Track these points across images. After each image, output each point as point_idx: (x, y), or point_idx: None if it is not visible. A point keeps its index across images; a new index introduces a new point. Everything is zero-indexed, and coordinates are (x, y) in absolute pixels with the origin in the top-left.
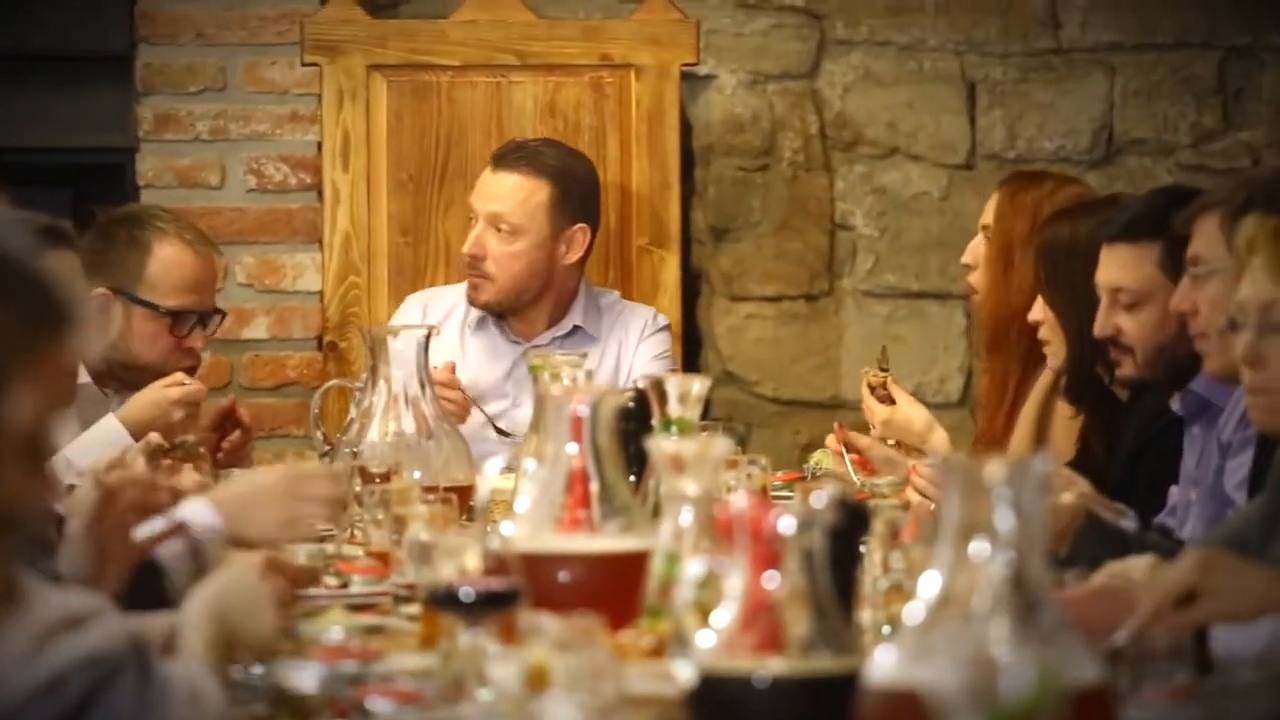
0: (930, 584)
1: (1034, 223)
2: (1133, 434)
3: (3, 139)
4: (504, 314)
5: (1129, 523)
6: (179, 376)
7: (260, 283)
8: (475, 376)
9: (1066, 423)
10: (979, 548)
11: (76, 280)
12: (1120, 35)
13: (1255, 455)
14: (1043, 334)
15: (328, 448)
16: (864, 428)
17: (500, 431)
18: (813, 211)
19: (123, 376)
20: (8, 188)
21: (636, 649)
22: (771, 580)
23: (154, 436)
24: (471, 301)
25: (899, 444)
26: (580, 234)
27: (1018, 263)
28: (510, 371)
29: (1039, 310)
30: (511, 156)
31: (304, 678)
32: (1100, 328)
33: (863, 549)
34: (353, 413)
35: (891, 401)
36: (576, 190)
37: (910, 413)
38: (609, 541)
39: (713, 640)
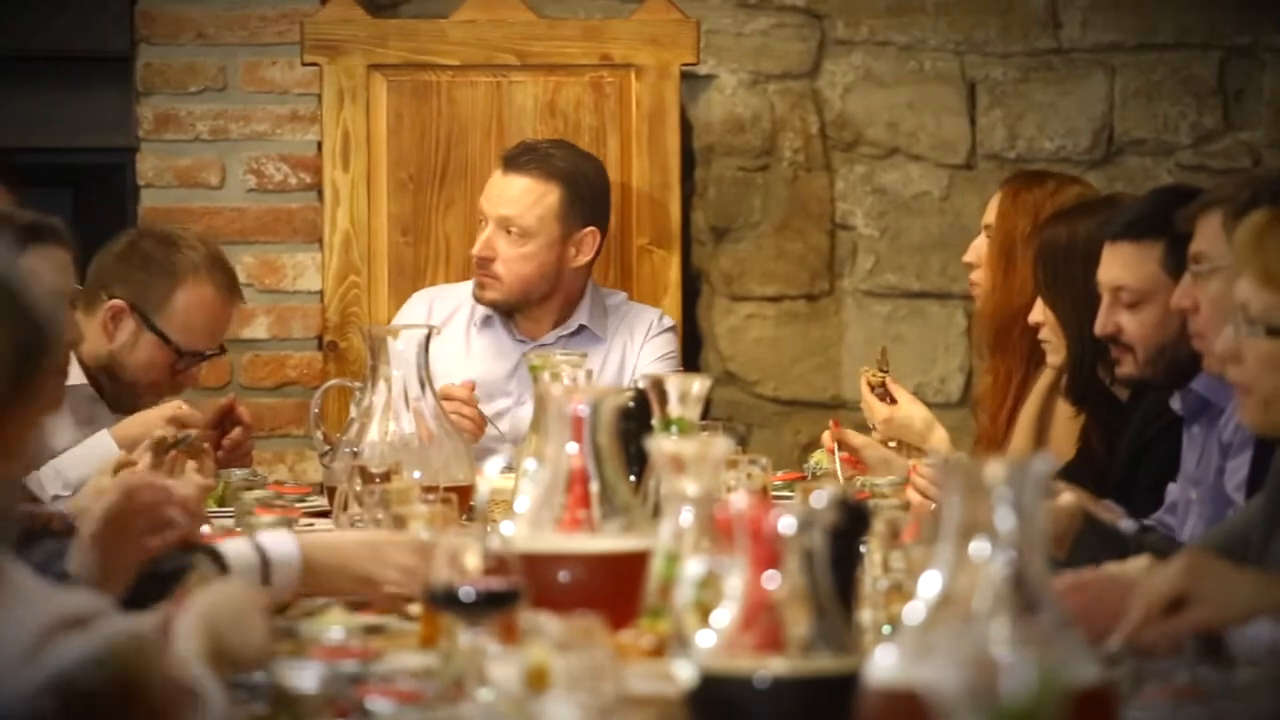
0: (930, 584)
1: (1036, 222)
2: (1133, 434)
3: (3, 139)
4: (510, 313)
5: (1127, 524)
6: (179, 403)
7: (260, 282)
8: (480, 375)
9: (1067, 423)
10: (979, 548)
11: (65, 276)
12: (1120, 35)
13: (1254, 455)
14: (1043, 335)
15: (327, 447)
16: (864, 428)
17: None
18: (813, 211)
19: (112, 387)
20: (16, 187)
21: (637, 649)
22: (772, 580)
23: (159, 431)
24: (478, 299)
25: (899, 443)
26: (590, 237)
27: (1019, 262)
28: (515, 370)
29: (1039, 311)
30: (522, 159)
31: (304, 677)
32: (1101, 326)
33: (863, 549)
34: (353, 412)
35: (892, 401)
36: (588, 193)
37: (910, 412)
38: (609, 541)
39: (713, 640)
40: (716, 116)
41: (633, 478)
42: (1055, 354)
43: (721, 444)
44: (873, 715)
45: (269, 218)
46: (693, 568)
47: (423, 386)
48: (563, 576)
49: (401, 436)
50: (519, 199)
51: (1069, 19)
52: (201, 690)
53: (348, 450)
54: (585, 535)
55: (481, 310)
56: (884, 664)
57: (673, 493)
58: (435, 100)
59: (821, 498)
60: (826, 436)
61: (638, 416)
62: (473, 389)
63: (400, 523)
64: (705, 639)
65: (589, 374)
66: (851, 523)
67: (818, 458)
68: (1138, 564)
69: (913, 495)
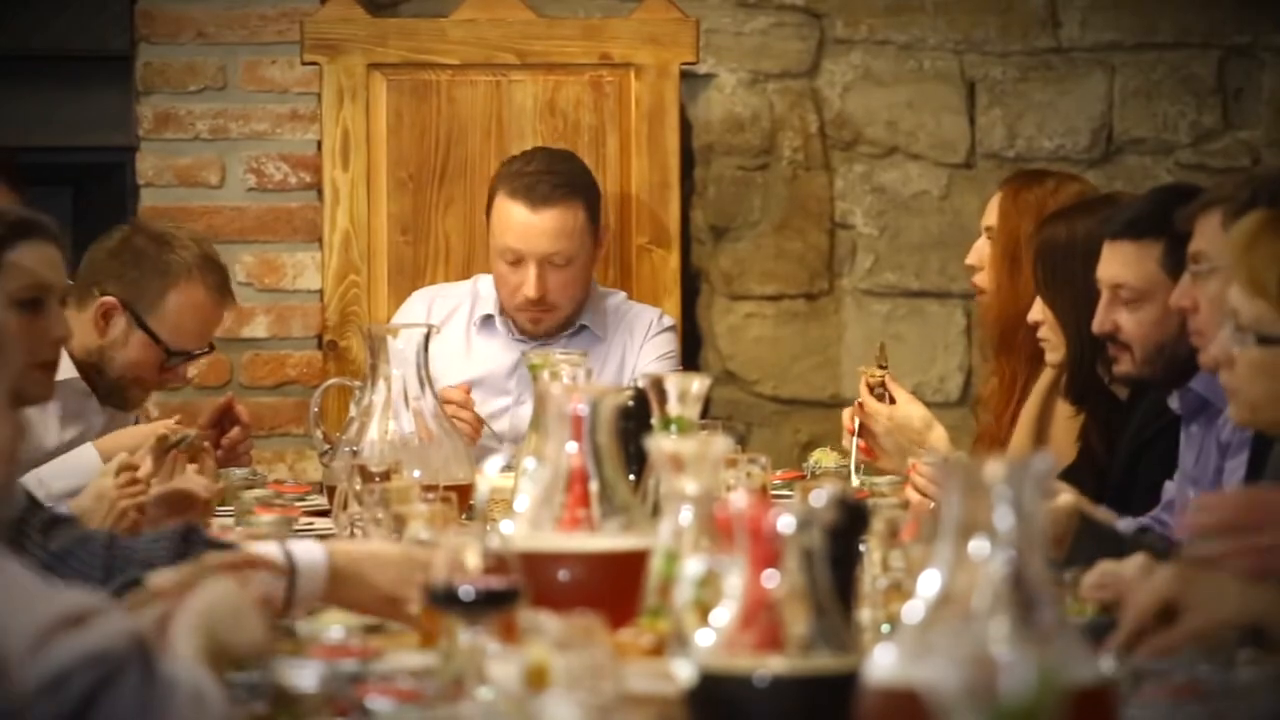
0: (930, 583)
1: (1038, 221)
2: (1133, 433)
3: (4, 138)
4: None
5: (1125, 524)
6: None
7: (260, 282)
8: (479, 374)
9: (1067, 422)
10: (978, 546)
11: (55, 272)
12: (1120, 35)
13: (1252, 455)
14: (1042, 334)
15: (327, 447)
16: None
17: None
18: (812, 211)
19: (99, 382)
20: (17, 186)
21: (636, 648)
22: (771, 579)
23: (161, 429)
24: (530, 333)
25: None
26: (604, 234)
27: (1024, 264)
28: (514, 369)
29: (1038, 310)
30: (542, 190)
31: (303, 676)
32: (1099, 324)
33: (862, 548)
34: (352, 411)
35: (890, 400)
36: (596, 196)
37: (909, 410)
38: (608, 540)
39: (712, 639)
40: (716, 116)
41: (632, 477)
42: (1054, 352)
43: (721, 443)
44: (872, 714)
45: (269, 217)
46: (692, 567)
47: (422, 386)
48: (562, 575)
49: (401, 435)
50: (558, 232)
51: (1068, 18)
52: (199, 688)
53: (347, 449)
54: (585, 534)
55: (481, 309)
56: (883, 663)
57: (672, 492)
58: (435, 99)
59: (821, 497)
60: (846, 416)
61: (637, 415)
62: (469, 391)
63: (400, 522)
64: (705, 638)
65: (588, 373)
66: (851, 521)
67: (817, 456)
68: (1134, 562)
69: (912, 494)
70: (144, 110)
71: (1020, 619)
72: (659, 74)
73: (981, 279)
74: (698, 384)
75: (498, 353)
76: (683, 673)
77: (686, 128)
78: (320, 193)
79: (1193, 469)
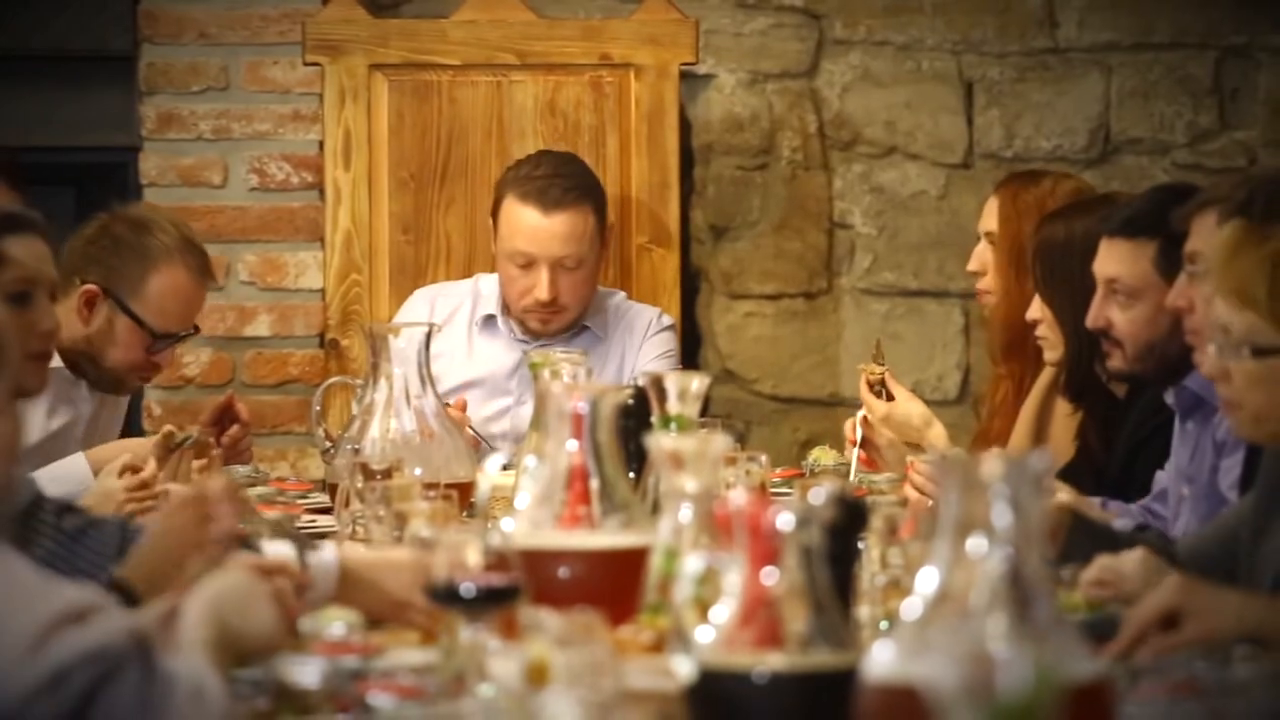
0: (928, 580)
1: (1038, 221)
2: (1130, 430)
3: (8, 138)
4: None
5: (1122, 523)
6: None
7: (262, 281)
8: (481, 373)
9: (1065, 420)
10: (976, 544)
11: (44, 266)
12: (1117, 35)
13: (1247, 454)
14: (1040, 331)
15: (329, 444)
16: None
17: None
18: (811, 210)
19: (88, 369)
20: (19, 186)
21: (636, 645)
22: (770, 576)
23: (168, 428)
24: (540, 334)
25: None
26: (609, 236)
27: (1029, 265)
28: (516, 369)
29: (1037, 309)
30: (554, 194)
31: (306, 673)
32: (1093, 318)
33: (861, 545)
34: (354, 410)
35: (890, 398)
36: (603, 199)
37: (909, 408)
38: (609, 538)
39: (712, 636)
40: (715, 116)
41: (632, 475)
42: (1052, 350)
43: (720, 441)
44: (870, 711)
45: (271, 216)
46: (692, 564)
47: (424, 384)
48: (563, 573)
49: (403, 434)
50: (570, 235)
51: (1066, 19)
52: (199, 684)
53: (349, 447)
54: (585, 532)
55: (483, 309)
56: (882, 660)
57: (672, 489)
58: (436, 100)
59: (820, 494)
60: (849, 427)
61: (637, 414)
62: (464, 408)
63: (401, 519)
64: (704, 635)
65: (589, 372)
66: (849, 519)
67: (816, 454)
68: (1134, 557)
69: (910, 492)
70: (147, 110)
71: (1018, 616)
72: (659, 74)
73: (986, 284)
74: (697, 382)
75: (500, 353)
76: (682, 669)
77: (686, 128)
78: (322, 192)
79: (1188, 466)
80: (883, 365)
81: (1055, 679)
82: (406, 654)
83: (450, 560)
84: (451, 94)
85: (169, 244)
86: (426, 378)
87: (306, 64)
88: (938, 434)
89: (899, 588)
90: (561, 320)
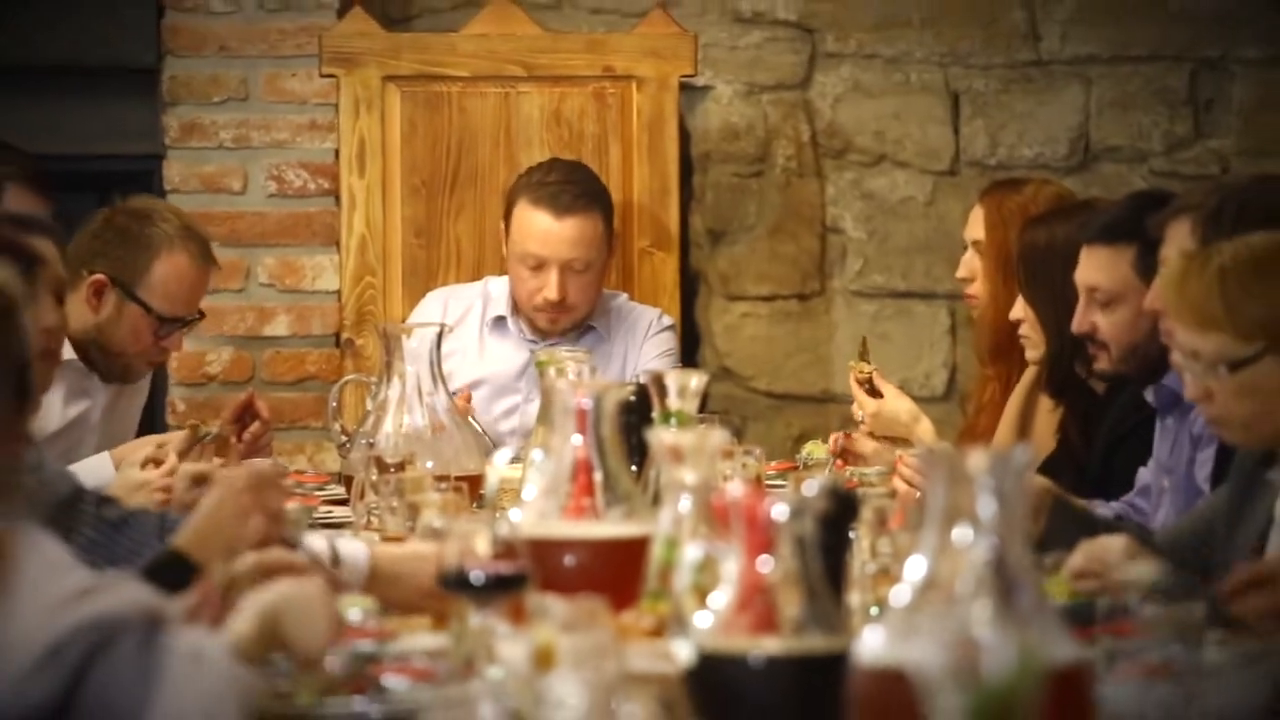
0: (916, 568)
1: (1021, 226)
2: (1110, 426)
3: (38, 147)
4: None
5: (1104, 509)
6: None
7: (281, 283)
8: (491, 372)
9: (1048, 415)
10: (962, 534)
11: (54, 266)
12: (1097, 48)
13: (1219, 447)
14: (1023, 331)
15: (345, 439)
16: (853, 421)
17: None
18: (805, 215)
19: (99, 359)
20: (46, 194)
21: (638, 629)
22: (765, 564)
23: (193, 422)
24: (547, 332)
25: (887, 436)
26: (615, 241)
27: (1014, 268)
28: (524, 368)
29: (1020, 309)
30: (565, 199)
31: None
32: (1078, 324)
33: (852, 535)
34: (369, 406)
35: (878, 395)
36: (611, 206)
37: (897, 405)
38: (612, 528)
39: (710, 621)
40: (713, 125)
41: (634, 468)
42: (1034, 349)
43: (718, 436)
44: (861, 693)
45: (289, 221)
46: (691, 553)
47: (435, 381)
48: (568, 561)
49: (415, 428)
50: (579, 239)
51: (1048, 32)
52: (198, 648)
53: (364, 441)
54: (589, 522)
55: (493, 310)
56: (872, 644)
57: (672, 482)
58: (447, 110)
59: (812, 487)
60: (832, 441)
61: (639, 410)
62: (469, 399)
63: (414, 510)
64: (703, 620)
65: (592, 370)
66: (841, 510)
67: (809, 449)
68: (1117, 543)
69: (899, 484)
70: (170, 120)
71: (1001, 602)
72: (659, 86)
73: (974, 290)
74: (696, 380)
75: (509, 353)
76: (682, 653)
77: (685, 137)
78: (338, 198)
79: (1167, 459)
80: (870, 363)
81: (1037, 662)
82: (419, 638)
83: (460, 549)
84: (461, 104)
85: (170, 232)
86: (437, 375)
87: (323, 76)
88: (925, 429)
89: (888, 575)
90: (569, 319)
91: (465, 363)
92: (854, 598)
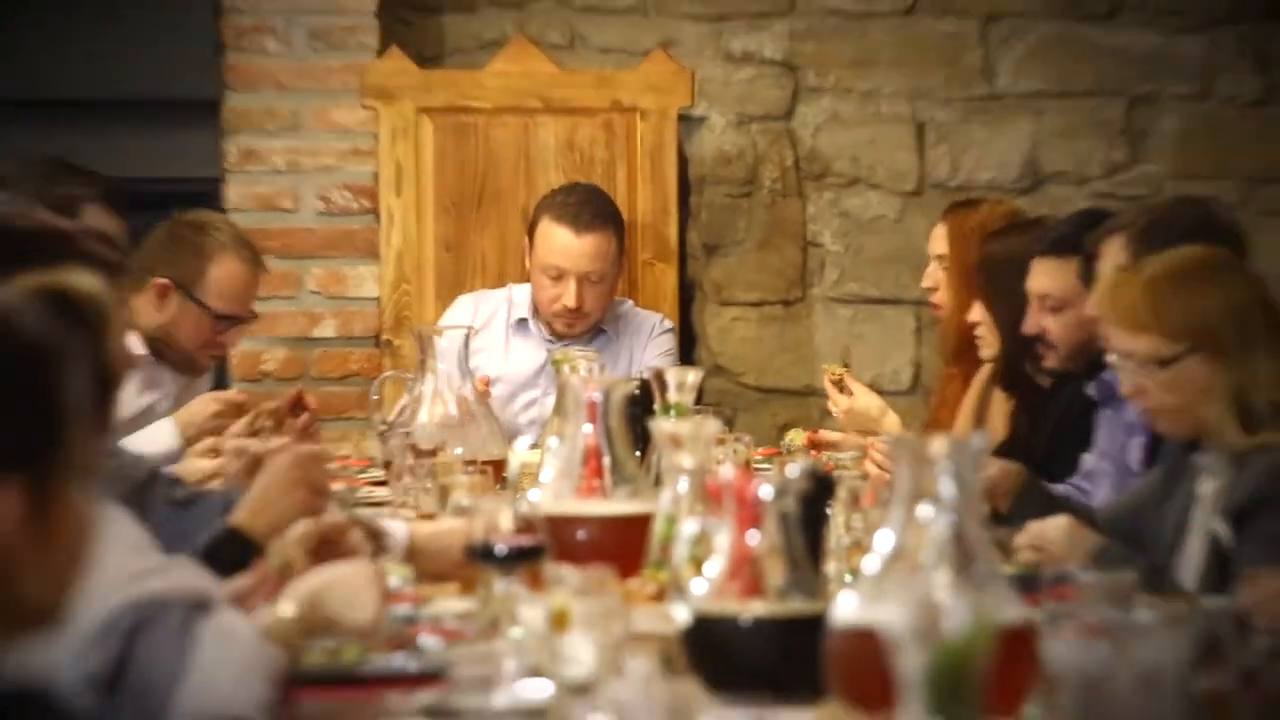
0: (884, 541)
1: (981, 240)
2: (1055, 417)
3: (113, 170)
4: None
5: (1063, 487)
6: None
7: (327, 291)
8: (514, 369)
9: (1001, 407)
10: (925, 511)
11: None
12: (1045, 84)
13: (1150, 434)
14: (979, 332)
15: (385, 428)
16: (827, 414)
17: None
18: (788, 231)
19: (167, 354)
20: (123, 212)
21: (642, 595)
22: (753, 538)
23: (264, 405)
24: (562, 336)
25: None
26: (624, 255)
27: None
28: (543, 367)
29: (977, 312)
30: (585, 218)
31: None
32: (1030, 327)
33: (829, 512)
34: (405, 399)
35: (849, 393)
36: (623, 226)
37: (867, 401)
38: (619, 506)
39: (705, 588)
40: (708, 152)
41: (638, 453)
42: (989, 349)
43: (712, 425)
44: (837, 650)
45: (335, 236)
46: (688, 528)
47: (463, 377)
48: (580, 535)
49: (446, 418)
50: (597, 254)
51: (1002, 70)
52: (228, 625)
53: (401, 430)
54: (599, 501)
55: (516, 314)
56: (846, 607)
57: (671, 465)
58: (473, 138)
59: (795, 470)
60: (803, 437)
61: (642, 402)
62: (487, 383)
63: (445, 491)
64: (698, 587)
65: (602, 367)
66: (819, 490)
67: (791, 436)
68: (1057, 524)
69: (870, 468)
70: (230, 147)
71: (959, 570)
72: (660, 117)
73: (938, 297)
74: (693, 376)
75: (531, 352)
76: (680, 616)
77: (683, 162)
78: (378, 216)
79: (1106, 446)
80: (848, 366)
81: (990, 623)
82: (450, 603)
83: (486, 525)
84: (486, 133)
85: (224, 240)
86: (466, 371)
87: (364, 108)
88: (892, 422)
89: (860, 547)
90: (583, 324)
91: (492, 360)
92: (831, 567)
